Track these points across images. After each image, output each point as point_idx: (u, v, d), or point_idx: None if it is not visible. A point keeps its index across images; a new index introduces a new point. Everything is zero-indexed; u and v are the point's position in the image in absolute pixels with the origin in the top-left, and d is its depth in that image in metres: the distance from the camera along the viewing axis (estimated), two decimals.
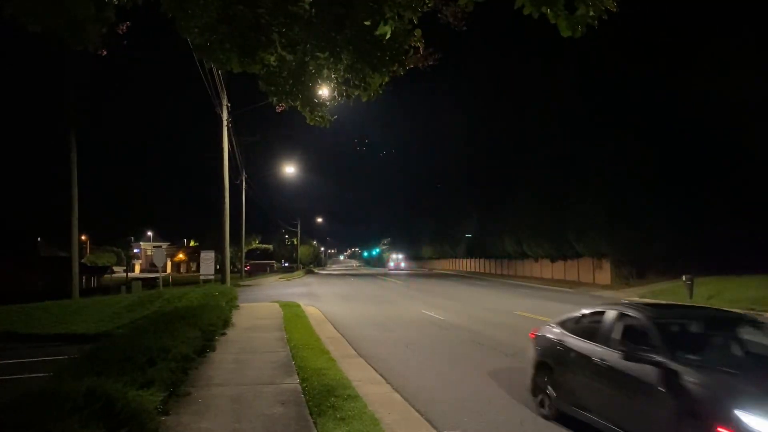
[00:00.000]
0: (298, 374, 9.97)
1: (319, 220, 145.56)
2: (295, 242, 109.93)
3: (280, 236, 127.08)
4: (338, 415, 7.45)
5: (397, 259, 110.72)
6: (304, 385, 9.11)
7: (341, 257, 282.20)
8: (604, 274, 42.51)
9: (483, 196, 64.49)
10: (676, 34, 36.69)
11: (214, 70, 21.96)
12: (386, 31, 5.69)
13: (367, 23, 5.68)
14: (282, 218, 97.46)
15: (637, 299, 30.05)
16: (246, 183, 49.67)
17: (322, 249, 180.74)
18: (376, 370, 11.12)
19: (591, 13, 5.39)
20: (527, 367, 8.94)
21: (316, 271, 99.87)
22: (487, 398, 9.07)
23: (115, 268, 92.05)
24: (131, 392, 6.09)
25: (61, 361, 8.62)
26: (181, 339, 9.70)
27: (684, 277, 27.18)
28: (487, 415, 8.14)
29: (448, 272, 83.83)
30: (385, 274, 73.20)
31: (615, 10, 5.55)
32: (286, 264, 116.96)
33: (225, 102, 25.00)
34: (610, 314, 7.22)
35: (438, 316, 20.88)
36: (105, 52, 5.84)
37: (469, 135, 72.72)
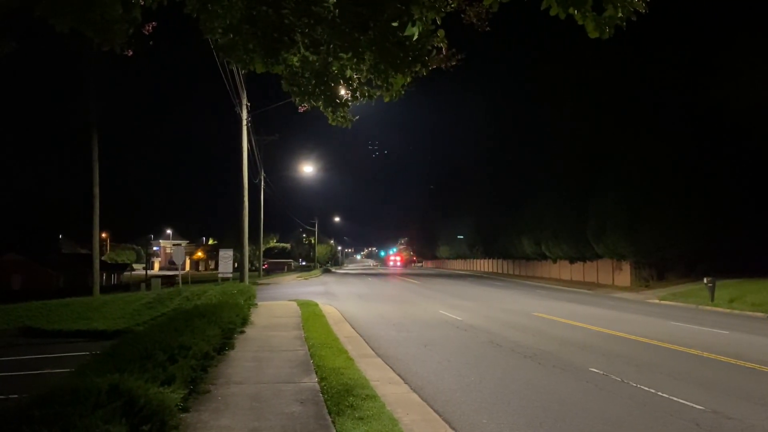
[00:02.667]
0: (316, 373, 9.99)
1: (337, 219, 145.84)
2: (313, 241, 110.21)
3: (297, 235, 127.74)
4: (357, 415, 7.45)
5: (395, 260, 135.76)
6: (323, 384, 9.13)
7: (358, 256, 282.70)
8: (624, 276, 42.14)
9: (502, 196, 64.16)
10: (701, 35, 36.29)
11: (235, 71, 22.10)
12: (414, 32, 5.67)
13: (395, 24, 5.65)
14: (299, 217, 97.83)
15: (656, 301, 29.76)
16: (264, 182, 49.91)
17: (339, 248, 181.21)
18: (394, 370, 11.11)
19: (619, 15, 5.32)
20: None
21: (333, 270, 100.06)
22: (506, 400, 9.02)
23: (135, 266, 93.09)
24: (153, 389, 6.14)
25: (83, 357, 8.73)
26: (201, 337, 9.77)
27: (705, 280, 26.84)
28: (507, 418, 8.10)
29: (466, 272, 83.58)
30: (404, 274, 73.10)
31: (644, 11, 5.46)
32: (304, 263, 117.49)
33: (245, 101, 25.15)
34: None
35: (456, 317, 20.82)
36: (131, 53, 5.88)
37: (488, 135, 72.41)
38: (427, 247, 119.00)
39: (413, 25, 5.63)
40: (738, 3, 35.60)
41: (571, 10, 5.33)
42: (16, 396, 6.05)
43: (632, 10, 5.39)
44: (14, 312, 22.77)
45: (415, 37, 5.76)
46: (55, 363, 13.31)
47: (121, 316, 21.95)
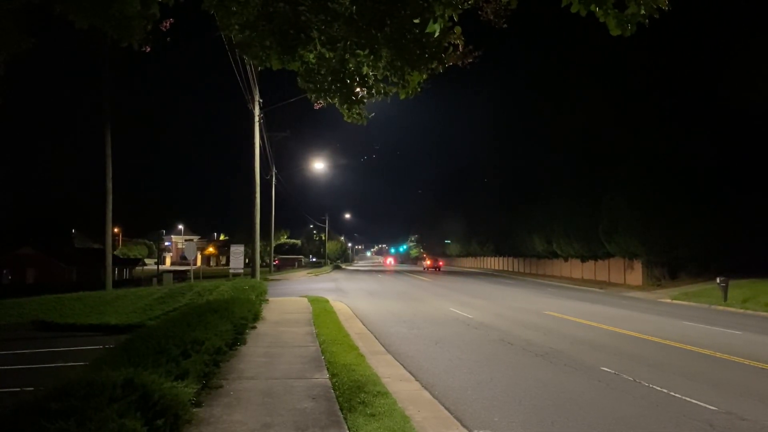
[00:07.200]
0: (327, 369, 10.01)
1: (347, 216, 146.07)
2: (323, 238, 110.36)
3: (308, 231, 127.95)
4: (368, 411, 7.45)
5: (390, 262, 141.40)
6: (334, 380, 9.15)
7: (368, 253, 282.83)
8: (635, 275, 41.92)
9: (513, 194, 63.98)
10: (712, 34, 35.99)
11: (247, 67, 22.13)
12: (435, 29, 5.63)
13: (416, 21, 5.63)
14: (310, 213, 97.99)
15: (669, 300, 29.57)
16: (276, 178, 50.00)
17: (350, 245, 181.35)
18: (404, 368, 11.12)
19: (642, 12, 5.25)
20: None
21: (343, 266, 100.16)
22: (517, 399, 9.01)
23: (147, 261, 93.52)
24: (166, 383, 6.18)
25: (96, 352, 8.79)
26: (213, 332, 9.82)
27: (718, 279, 26.65)
28: (519, 416, 8.08)
29: (476, 270, 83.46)
30: (412, 272, 73.08)
31: (667, 8, 5.39)
32: (314, 259, 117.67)
33: (257, 98, 25.18)
34: None
35: (466, 315, 20.80)
36: (149, 49, 5.91)
37: (500, 133, 72.18)
38: (437, 245, 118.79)
39: (434, 22, 5.59)
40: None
41: (592, 7, 5.27)
42: (31, 389, 6.10)
43: (655, 7, 5.31)
44: (28, 306, 22.94)
45: (437, 34, 5.72)
46: (68, 356, 13.41)
47: (134, 311, 22.05)
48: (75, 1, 5.00)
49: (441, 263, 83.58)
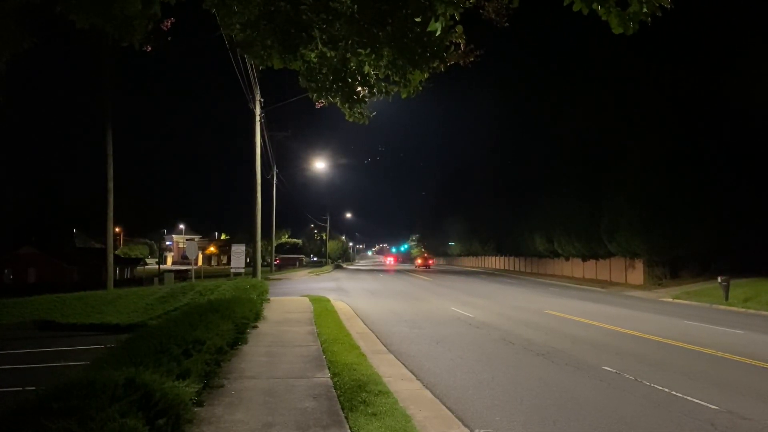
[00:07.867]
0: (329, 369, 10.00)
1: (348, 215, 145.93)
2: (324, 237, 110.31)
3: (309, 231, 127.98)
4: (370, 411, 7.44)
5: (390, 261, 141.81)
6: (336, 379, 9.14)
7: (369, 252, 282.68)
8: (637, 274, 41.90)
9: (514, 193, 63.95)
10: (714, 33, 35.93)
11: (248, 66, 22.12)
12: (437, 27, 5.62)
13: (418, 20, 5.62)
14: (311, 213, 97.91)
15: (670, 300, 29.54)
16: (277, 177, 49.97)
17: (351, 244, 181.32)
18: (406, 367, 11.11)
19: (644, 10, 5.24)
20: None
21: (344, 266, 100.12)
22: (519, 398, 9.00)
23: (148, 260, 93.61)
24: (168, 383, 6.17)
25: (97, 351, 8.79)
26: (215, 331, 9.82)
27: (720, 279, 26.61)
28: (520, 415, 8.08)
29: (477, 269, 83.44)
30: (412, 271, 73.10)
31: (669, 6, 5.38)
32: (315, 259, 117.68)
33: (258, 97, 25.16)
34: None
35: (468, 314, 20.78)
36: (150, 48, 5.91)
37: (501, 131, 72.09)
38: (438, 244, 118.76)
39: (436, 21, 5.59)
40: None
41: (594, 6, 5.26)
42: (33, 388, 6.10)
43: (657, 5, 5.29)
44: (29, 305, 23.00)
45: (438, 33, 5.70)
46: (70, 356, 13.42)
47: (135, 310, 22.08)
48: (76, 1, 4.99)
49: (431, 261, 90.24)
